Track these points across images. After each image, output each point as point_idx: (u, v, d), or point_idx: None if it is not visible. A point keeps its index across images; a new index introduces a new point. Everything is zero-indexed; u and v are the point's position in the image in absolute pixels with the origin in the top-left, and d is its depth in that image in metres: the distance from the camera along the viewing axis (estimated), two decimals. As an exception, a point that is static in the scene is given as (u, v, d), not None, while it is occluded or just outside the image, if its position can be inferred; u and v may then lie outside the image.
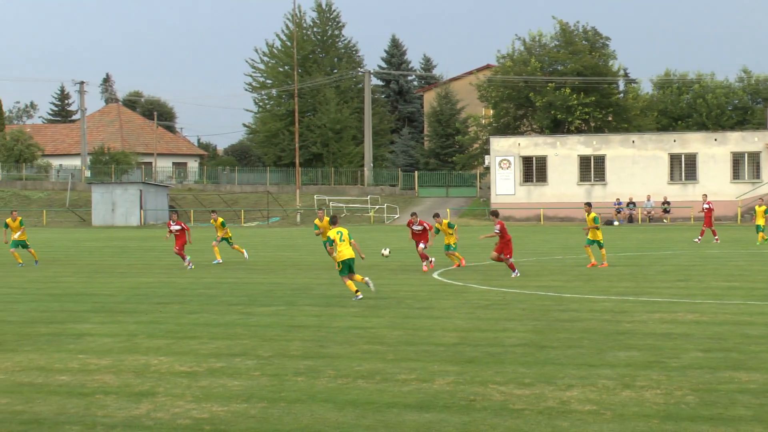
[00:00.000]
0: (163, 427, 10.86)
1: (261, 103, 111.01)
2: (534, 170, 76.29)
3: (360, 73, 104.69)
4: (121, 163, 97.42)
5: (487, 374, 13.40)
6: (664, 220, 70.71)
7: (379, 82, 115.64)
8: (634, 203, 71.92)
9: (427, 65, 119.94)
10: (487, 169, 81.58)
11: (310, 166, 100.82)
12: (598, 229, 31.49)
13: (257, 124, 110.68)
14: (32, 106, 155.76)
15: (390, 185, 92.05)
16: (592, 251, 31.46)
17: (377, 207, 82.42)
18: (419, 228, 31.20)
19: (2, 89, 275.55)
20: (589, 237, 31.47)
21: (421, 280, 27.46)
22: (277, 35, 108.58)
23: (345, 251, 22.46)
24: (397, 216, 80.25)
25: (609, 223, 69.10)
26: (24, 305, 22.22)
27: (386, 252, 29.67)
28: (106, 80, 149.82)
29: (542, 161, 76.10)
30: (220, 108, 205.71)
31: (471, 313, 19.90)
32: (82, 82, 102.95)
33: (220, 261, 34.78)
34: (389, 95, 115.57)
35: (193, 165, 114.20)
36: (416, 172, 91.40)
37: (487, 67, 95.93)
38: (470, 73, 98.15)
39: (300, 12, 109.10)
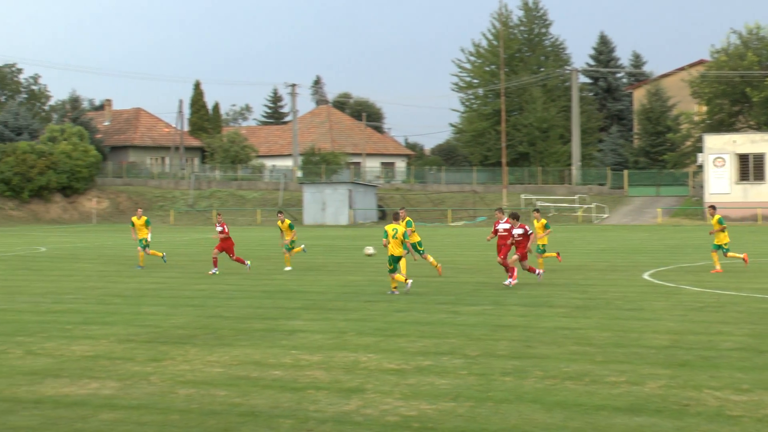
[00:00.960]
0: (372, 423, 11.00)
1: (467, 103, 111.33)
2: (750, 168, 73.52)
3: (567, 72, 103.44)
4: (331, 164, 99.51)
5: (701, 378, 12.98)
6: None
7: (587, 80, 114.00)
8: None
9: (637, 62, 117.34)
10: (700, 167, 79.19)
11: (517, 165, 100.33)
12: (723, 231, 29.83)
13: (464, 123, 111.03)
14: (247, 108, 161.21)
15: (598, 184, 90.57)
16: (718, 257, 29.94)
17: (585, 206, 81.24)
18: (506, 227, 25.97)
19: (219, 93, 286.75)
20: (714, 241, 29.97)
21: (630, 281, 26.87)
22: (484, 35, 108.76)
23: (395, 248, 23.74)
24: (606, 215, 78.88)
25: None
26: (239, 301, 22.98)
27: (370, 251, 26.97)
28: (317, 82, 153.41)
29: (759, 159, 73.26)
30: (427, 108, 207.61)
31: (683, 316, 19.32)
32: (293, 85, 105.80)
33: (290, 268, 31.98)
34: (597, 93, 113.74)
35: (400, 165, 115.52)
36: (625, 170, 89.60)
37: (700, 62, 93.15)
38: (682, 69, 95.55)
39: (506, 11, 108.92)
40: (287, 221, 32.85)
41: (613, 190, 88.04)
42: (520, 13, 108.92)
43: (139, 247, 33.90)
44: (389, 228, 24.07)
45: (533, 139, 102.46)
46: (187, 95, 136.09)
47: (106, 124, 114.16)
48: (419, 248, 27.44)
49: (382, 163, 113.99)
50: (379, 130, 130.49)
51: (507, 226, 25.92)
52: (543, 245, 30.44)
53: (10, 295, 24.93)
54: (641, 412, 11.25)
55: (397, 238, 23.88)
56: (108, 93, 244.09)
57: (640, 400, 11.82)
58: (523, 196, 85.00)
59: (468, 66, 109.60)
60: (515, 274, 25.34)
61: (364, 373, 13.73)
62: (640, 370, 13.64)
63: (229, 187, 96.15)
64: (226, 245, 31.32)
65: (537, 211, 31.68)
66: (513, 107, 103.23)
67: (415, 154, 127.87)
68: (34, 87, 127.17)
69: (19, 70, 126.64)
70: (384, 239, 24.22)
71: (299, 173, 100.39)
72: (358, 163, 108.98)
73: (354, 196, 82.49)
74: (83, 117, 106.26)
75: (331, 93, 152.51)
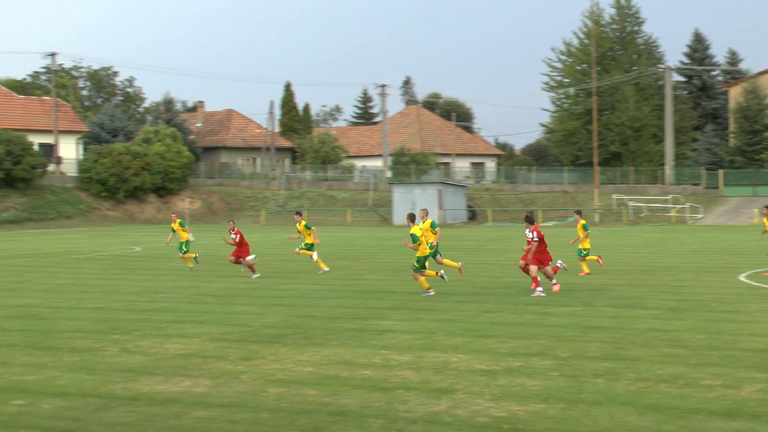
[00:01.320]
0: (462, 424, 10.96)
1: (558, 102, 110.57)
2: None
3: (660, 70, 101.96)
4: (421, 164, 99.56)
5: (799, 383, 12.68)
6: None
7: (681, 78, 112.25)
8: None
9: (733, 59, 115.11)
10: (798, 166, 77.41)
11: (608, 165, 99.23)
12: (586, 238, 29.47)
13: (554, 123, 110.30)
14: (337, 109, 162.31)
15: (692, 184, 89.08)
16: None
17: (679, 207, 79.99)
18: (531, 236, 24.21)
19: (310, 94, 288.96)
20: None
21: (725, 283, 26.37)
22: (575, 33, 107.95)
23: (425, 249, 23.80)
24: (700, 216, 77.57)
25: None
26: (330, 301, 23.09)
27: (251, 258, 27.07)
28: (406, 83, 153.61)
29: None
30: (517, 108, 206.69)
31: (781, 318, 18.90)
32: (383, 86, 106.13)
33: (327, 269, 31.09)
34: (691, 91, 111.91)
35: (490, 165, 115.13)
36: (720, 170, 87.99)
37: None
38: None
39: (598, 9, 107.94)
40: (303, 222, 31.89)
41: (708, 190, 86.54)
42: (612, 11, 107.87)
43: (179, 252, 33.85)
44: (416, 230, 23.90)
45: (625, 138, 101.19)
46: (278, 96, 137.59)
47: (199, 125, 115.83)
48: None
49: (472, 163, 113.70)
50: (468, 130, 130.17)
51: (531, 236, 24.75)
52: (586, 249, 29.85)
53: (106, 293, 25.43)
54: (738, 416, 11.02)
55: (425, 237, 24.20)
56: (201, 95, 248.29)
57: (737, 404, 11.59)
58: (614, 197, 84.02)
59: (559, 65, 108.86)
60: (553, 282, 24.53)
61: (454, 374, 13.69)
62: (736, 373, 13.38)
63: (320, 188, 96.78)
64: (241, 250, 30.36)
65: (578, 213, 31.20)
66: (604, 106, 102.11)
67: (505, 154, 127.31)
68: (129, 89, 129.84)
69: (115, 73, 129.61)
70: (414, 244, 23.64)
71: (389, 173, 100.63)
72: (448, 163, 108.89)
73: (443, 196, 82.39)
74: (176, 118, 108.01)
75: (421, 93, 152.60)
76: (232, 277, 29.97)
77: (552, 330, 17.68)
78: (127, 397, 12.54)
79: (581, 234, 29.71)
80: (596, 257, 30.73)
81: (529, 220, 24.54)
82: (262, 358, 15.19)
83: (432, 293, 23.87)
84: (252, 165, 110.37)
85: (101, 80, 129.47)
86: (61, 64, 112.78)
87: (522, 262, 24.23)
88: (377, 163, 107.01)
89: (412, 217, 24.76)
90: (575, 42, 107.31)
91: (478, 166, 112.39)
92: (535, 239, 23.86)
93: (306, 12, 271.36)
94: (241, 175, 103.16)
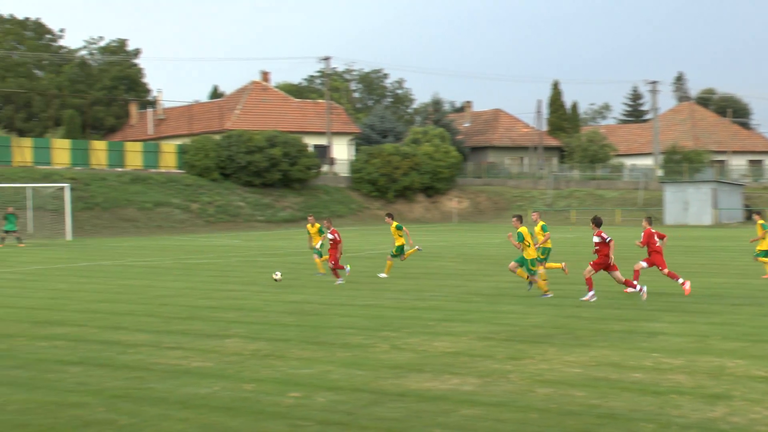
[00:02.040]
0: (739, 432, 10.51)
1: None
2: None
3: None
4: (694, 162, 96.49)
5: None
6: None
7: None
8: None
9: None
10: None
11: None
12: (764, 239, 28.09)
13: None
14: (606, 107, 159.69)
15: None
16: None
17: None
18: (597, 240, 22.93)
19: (578, 92, 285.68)
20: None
21: None
22: None
23: (531, 251, 23.71)
24: None
25: None
26: (597, 302, 22.66)
27: (277, 276, 27.26)
28: (679, 79, 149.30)
29: None
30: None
31: None
32: (654, 82, 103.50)
33: (386, 276, 30.14)
34: None
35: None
36: None
37: None
38: None
39: None
40: (394, 223, 30.90)
41: None
42: None
43: (315, 255, 32.50)
44: (524, 229, 23.73)
45: None
46: (546, 95, 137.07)
47: (466, 125, 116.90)
48: (541, 256, 26.51)
49: (749, 161, 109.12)
50: (746, 126, 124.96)
51: (597, 240, 23.03)
52: (763, 250, 29.11)
53: (376, 291, 26.04)
54: None
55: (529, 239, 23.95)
56: (468, 95, 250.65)
57: None
58: None
59: None
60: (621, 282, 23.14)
61: (730, 380, 13.15)
62: None
63: (588, 187, 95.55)
64: (334, 251, 28.77)
65: (757, 213, 29.77)
66: None
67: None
68: (398, 91, 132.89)
69: (385, 76, 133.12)
70: (518, 242, 23.70)
71: (660, 172, 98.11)
72: (723, 162, 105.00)
73: (718, 196, 79.51)
74: (444, 119, 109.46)
75: (694, 89, 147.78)
76: (498, 276, 30.02)
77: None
78: (396, 393, 12.76)
79: (759, 233, 29.23)
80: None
81: (597, 222, 22.80)
82: (529, 357, 15.12)
83: (550, 295, 23.57)
84: (519, 164, 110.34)
85: (372, 82, 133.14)
86: (334, 68, 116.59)
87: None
88: (647, 161, 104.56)
89: (519, 218, 24.46)
90: None
91: (756, 164, 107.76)
92: (607, 240, 22.50)
93: (573, 10, 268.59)
94: (509, 175, 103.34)
